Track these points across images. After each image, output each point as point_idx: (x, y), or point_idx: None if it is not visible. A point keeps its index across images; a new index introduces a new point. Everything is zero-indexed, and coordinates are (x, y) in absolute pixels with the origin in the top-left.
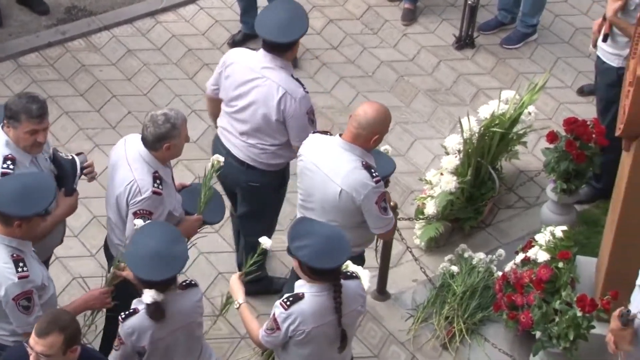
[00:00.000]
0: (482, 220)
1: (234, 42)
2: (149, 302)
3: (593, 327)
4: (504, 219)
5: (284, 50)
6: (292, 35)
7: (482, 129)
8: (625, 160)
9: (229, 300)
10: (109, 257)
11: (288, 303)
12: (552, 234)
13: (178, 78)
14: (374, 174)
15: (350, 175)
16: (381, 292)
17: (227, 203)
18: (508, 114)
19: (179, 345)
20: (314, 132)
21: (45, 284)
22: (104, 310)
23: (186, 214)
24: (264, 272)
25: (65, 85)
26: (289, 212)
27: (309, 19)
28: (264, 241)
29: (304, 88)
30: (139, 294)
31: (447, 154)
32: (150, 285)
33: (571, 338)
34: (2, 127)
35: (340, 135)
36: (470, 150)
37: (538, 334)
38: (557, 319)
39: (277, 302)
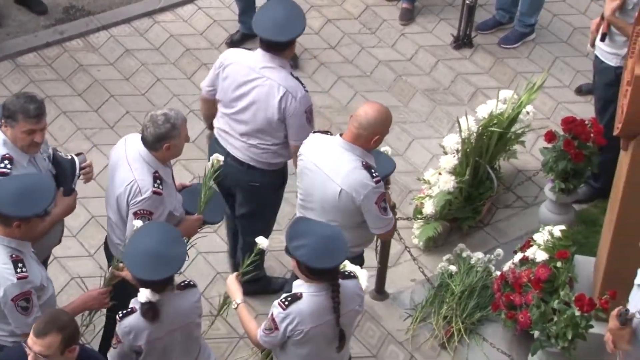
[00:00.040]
0: (481, 219)
1: (232, 42)
2: (143, 301)
3: (591, 326)
4: (502, 218)
5: (282, 49)
6: (291, 34)
7: (480, 128)
8: (624, 159)
9: (226, 300)
10: (109, 257)
11: (286, 303)
12: (551, 234)
13: (176, 78)
14: (374, 174)
15: (351, 175)
16: (380, 291)
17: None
18: (506, 113)
19: (176, 346)
20: (314, 132)
21: (44, 285)
22: (102, 310)
23: (186, 213)
24: (262, 271)
25: (63, 85)
26: (288, 212)
27: (305, 17)
28: (261, 241)
29: (304, 87)
30: (137, 294)
31: (445, 153)
32: (147, 284)
33: (569, 337)
34: (0, 127)
35: (340, 135)
36: (468, 150)
37: (536, 333)
38: (555, 319)
39: (275, 302)
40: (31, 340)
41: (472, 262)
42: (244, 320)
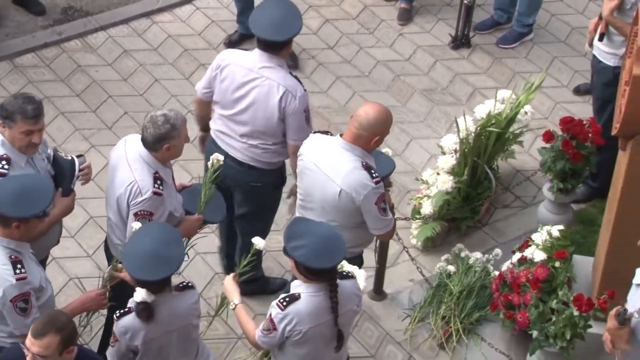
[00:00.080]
0: (479, 219)
1: (230, 42)
2: (138, 300)
3: (590, 326)
4: (501, 218)
5: (280, 48)
6: (289, 33)
7: (478, 128)
8: (622, 159)
9: (224, 301)
10: (109, 258)
11: (284, 303)
12: (549, 234)
13: (174, 78)
14: (374, 175)
15: (350, 175)
16: (378, 292)
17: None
18: (504, 113)
19: (173, 347)
20: (314, 132)
21: (43, 286)
22: (101, 310)
23: (187, 213)
24: (261, 272)
25: (62, 85)
26: (286, 212)
27: (302, 16)
28: (257, 242)
29: (303, 86)
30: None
31: (444, 153)
32: (143, 284)
33: (568, 337)
34: None
35: (341, 135)
36: (466, 150)
37: (535, 333)
38: (553, 319)
39: (274, 303)
40: (29, 341)
41: (471, 262)
42: (242, 320)
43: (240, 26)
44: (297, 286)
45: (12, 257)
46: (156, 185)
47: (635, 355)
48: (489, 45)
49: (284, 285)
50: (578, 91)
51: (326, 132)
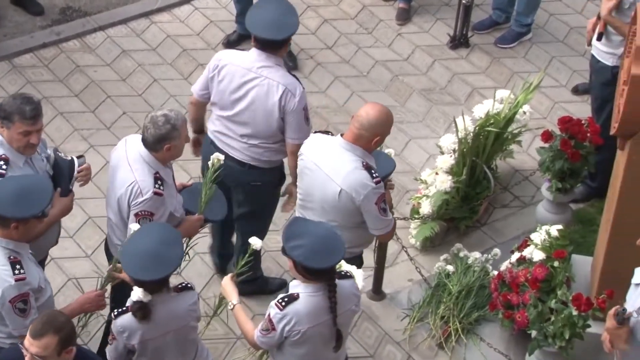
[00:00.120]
0: (478, 219)
1: (229, 43)
2: (134, 299)
3: (589, 326)
4: (499, 218)
5: (278, 47)
6: (286, 32)
7: (477, 128)
8: (620, 159)
9: (222, 301)
10: (109, 258)
11: (283, 304)
12: (548, 233)
13: (173, 78)
14: (374, 175)
15: (351, 175)
16: (377, 291)
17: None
18: (503, 113)
19: (170, 347)
20: (315, 132)
21: (42, 287)
22: (99, 311)
23: (187, 213)
24: (259, 272)
25: (60, 86)
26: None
27: (298, 15)
28: (254, 242)
29: (301, 84)
30: None
31: (442, 153)
32: (140, 284)
33: (567, 337)
34: None
35: (341, 135)
36: (465, 150)
37: (534, 333)
38: (552, 318)
39: (272, 303)
40: (28, 341)
41: (470, 261)
42: (240, 321)
43: (238, 26)
44: (296, 286)
45: (11, 257)
46: (157, 186)
47: (634, 354)
48: (487, 45)
49: (282, 285)
50: (576, 91)
51: (326, 132)
